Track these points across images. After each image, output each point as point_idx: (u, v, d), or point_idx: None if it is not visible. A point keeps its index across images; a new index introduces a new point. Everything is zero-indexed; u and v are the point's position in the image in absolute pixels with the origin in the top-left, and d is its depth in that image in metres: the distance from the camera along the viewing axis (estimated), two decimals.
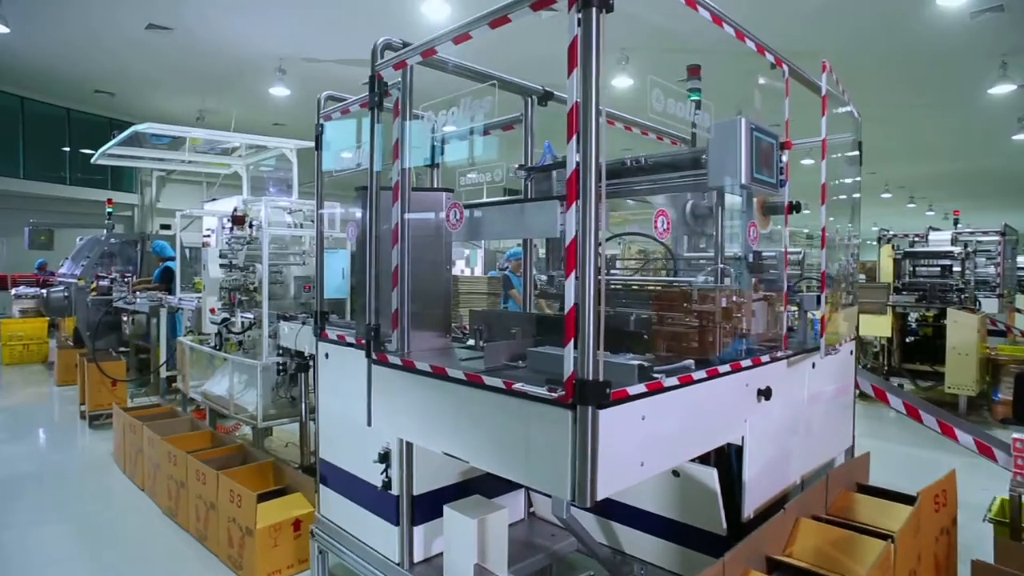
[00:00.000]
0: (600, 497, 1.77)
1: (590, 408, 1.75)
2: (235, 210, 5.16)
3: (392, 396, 2.50)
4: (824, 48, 8.87)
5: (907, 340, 7.56)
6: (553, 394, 1.81)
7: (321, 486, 3.28)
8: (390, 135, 2.70)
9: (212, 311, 5.15)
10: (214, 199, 6.27)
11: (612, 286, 3.11)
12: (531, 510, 3.41)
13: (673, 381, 2.05)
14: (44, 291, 9.48)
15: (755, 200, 2.85)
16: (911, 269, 7.68)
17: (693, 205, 3.40)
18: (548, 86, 3.38)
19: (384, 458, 2.78)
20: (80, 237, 9.96)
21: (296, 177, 5.55)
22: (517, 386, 1.91)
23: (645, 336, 2.62)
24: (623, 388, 1.86)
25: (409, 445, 2.69)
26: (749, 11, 7.62)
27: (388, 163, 2.71)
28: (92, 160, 6.69)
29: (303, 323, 4.14)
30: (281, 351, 4.58)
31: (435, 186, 3.56)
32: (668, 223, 2.38)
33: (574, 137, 1.78)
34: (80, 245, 9.52)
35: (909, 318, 7.62)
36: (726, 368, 2.33)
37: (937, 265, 7.44)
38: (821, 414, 3.11)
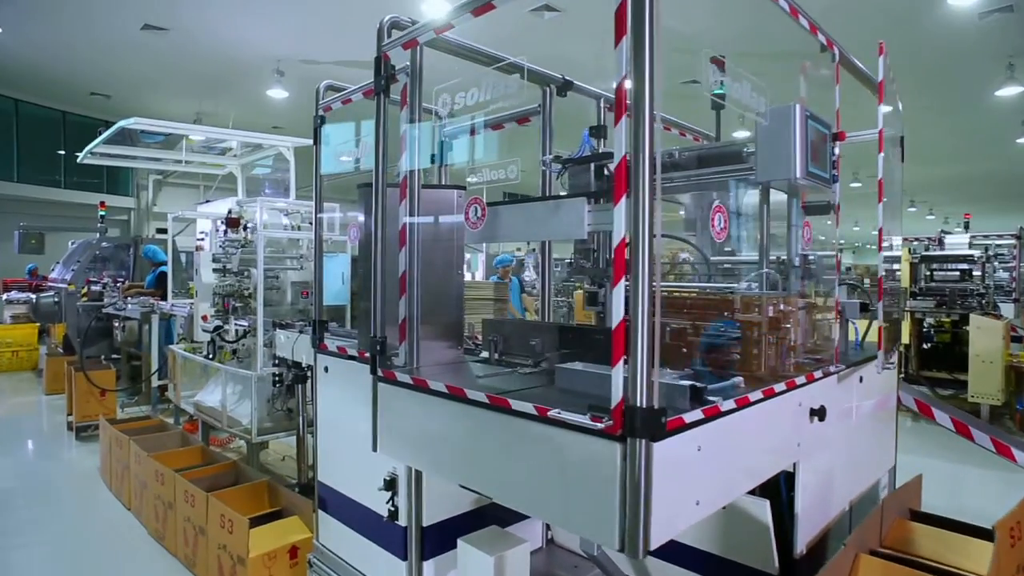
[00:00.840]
0: (654, 547, 1.47)
1: (643, 441, 1.46)
2: (229, 212, 4.85)
3: (401, 418, 2.19)
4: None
5: (924, 347, 7.28)
6: (598, 424, 1.51)
7: (320, 511, 2.97)
8: (393, 129, 2.41)
9: (204, 318, 4.84)
10: (208, 201, 5.96)
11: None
12: (550, 536, 3.10)
13: (730, 404, 1.75)
14: (33, 296, 9.14)
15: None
16: (928, 274, 7.41)
17: (718, 206, 3.13)
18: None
19: (390, 485, 2.47)
20: (72, 241, 9.63)
21: (294, 177, 5.24)
22: (553, 413, 1.61)
23: (683, 349, 2.33)
24: (678, 415, 1.56)
25: (419, 472, 2.38)
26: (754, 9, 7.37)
27: (392, 160, 2.42)
28: (79, 159, 6.38)
29: (300, 331, 3.83)
30: (277, 361, 4.27)
31: (443, 183, 3.28)
32: (726, 221, 2.09)
33: (623, 120, 1.49)
34: (72, 249, 9.19)
35: (925, 324, 7.34)
36: (781, 387, 2.03)
37: (956, 269, 7.17)
38: (868, 432, 2.82)
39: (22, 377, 9.15)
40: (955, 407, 3.76)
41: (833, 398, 2.33)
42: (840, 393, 2.45)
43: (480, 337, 2.94)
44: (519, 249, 14.02)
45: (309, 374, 4.16)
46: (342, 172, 3.14)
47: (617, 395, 1.47)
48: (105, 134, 5.33)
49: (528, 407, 1.68)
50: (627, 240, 1.48)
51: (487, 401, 1.81)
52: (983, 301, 6.75)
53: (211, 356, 4.92)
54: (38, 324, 9.63)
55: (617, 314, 1.48)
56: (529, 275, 9.45)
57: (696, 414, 1.63)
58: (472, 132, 2.90)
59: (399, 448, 2.22)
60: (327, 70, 11.12)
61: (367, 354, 2.49)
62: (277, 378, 4.26)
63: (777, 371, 2.19)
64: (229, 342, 4.65)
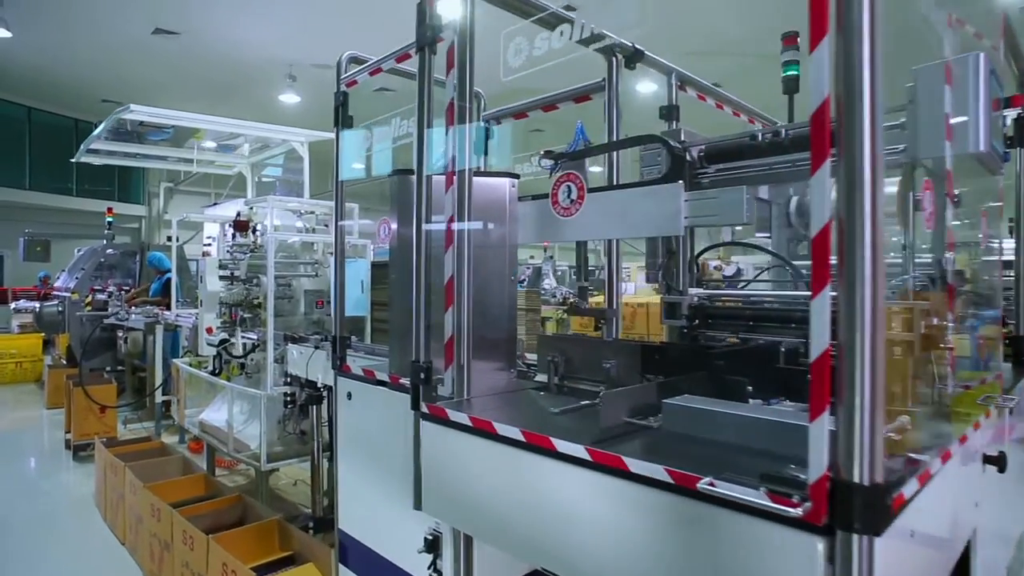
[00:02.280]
0: None
1: (864, 538, 0.91)
2: (238, 214, 4.33)
3: (453, 468, 1.65)
4: None
5: None
6: (788, 507, 0.96)
7: (341, 566, 2.42)
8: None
9: (209, 331, 4.31)
10: (215, 204, 5.46)
11: (727, 304, 2.28)
12: None
13: (936, 463, 1.21)
14: (37, 305, 8.66)
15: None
16: None
17: (800, 201, 2.61)
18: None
19: (432, 546, 1.92)
20: (78, 248, 9.16)
21: (308, 176, 4.72)
22: (704, 484, 1.06)
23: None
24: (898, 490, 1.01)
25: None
26: None
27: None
28: (74, 158, 5.90)
29: (316, 347, 3.30)
30: (289, 379, 3.73)
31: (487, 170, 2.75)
32: (933, 203, 1.54)
33: (824, 42, 0.96)
34: (77, 256, 8.71)
35: None
36: (968, 429, 1.48)
37: None
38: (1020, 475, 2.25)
39: (25, 389, 8.64)
40: None
41: (1010, 440, 1.78)
42: (1007, 431, 1.89)
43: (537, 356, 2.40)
44: (532, 257, 13.47)
45: (325, 394, 3.62)
46: (357, 179, 2.64)
47: (820, 463, 0.93)
48: (101, 127, 4.85)
49: (660, 472, 1.13)
50: (836, 225, 0.93)
51: (590, 458, 1.26)
52: None
53: (217, 371, 4.38)
54: (43, 334, 9.13)
55: (821, 339, 0.94)
56: (549, 283, 8.90)
57: (912, 484, 1.08)
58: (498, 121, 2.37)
59: (450, 508, 1.67)
60: None
61: (402, 380, 1.95)
62: (289, 398, 3.72)
63: (943, 404, 1.64)
64: (236, 357, 4.12)
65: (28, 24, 9.39)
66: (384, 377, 2.14)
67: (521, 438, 1.40)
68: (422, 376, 1.70)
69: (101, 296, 7.23)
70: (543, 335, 2.31)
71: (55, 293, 8.60)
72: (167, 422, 6.16)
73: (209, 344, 4.27)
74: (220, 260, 4.33)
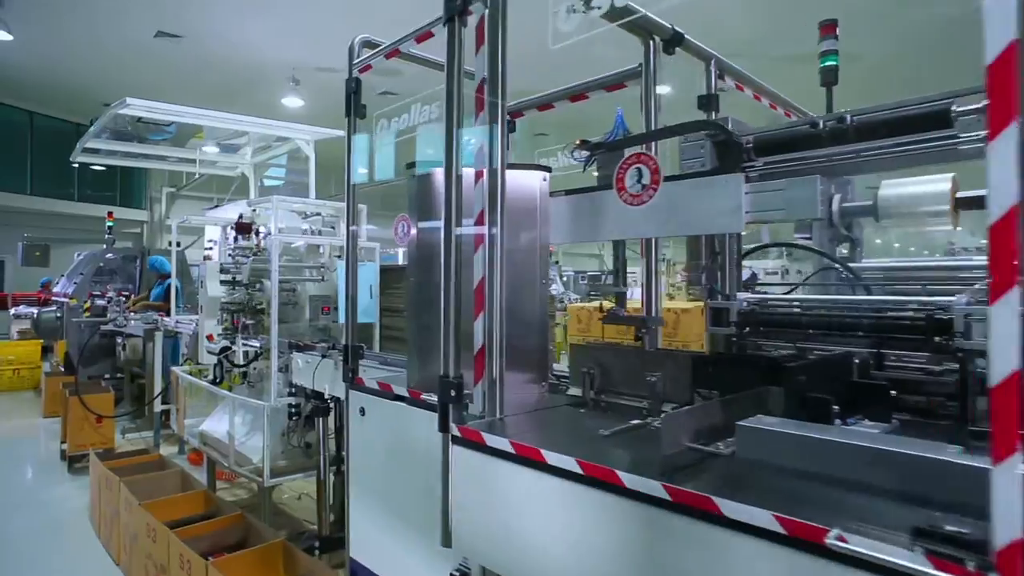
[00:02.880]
0: None
1: None
2: (240, 216, 4.11)
3: (488, 500, 1.41)
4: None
5: None
6: None
7: None
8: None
9: (210, 338, 4.07)
10: (217, 205, 5.23)
11: (781, 309, 2.05)
12: None
13: None
14: (35, 311, 8.41)
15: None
16: None
17: (842, 199, 2.37)
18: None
19: None
20: (78, 253, 8.92)
21: (313, 177, 4.48)
22: (832, 538, 0.82)
23: (892, 392, 1.55)
24: None
25: None
26: None
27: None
28: (71, 157, 5.68)
29: (323, 355, 3.06)
30: (294, 389, 3.50)
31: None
32: None
33: None
34: (77, 261, 8.47)
35: None
36: None
37: None
38: None
39: (23, 397, 8.39)
40: None
41: None
42: None
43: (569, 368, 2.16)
44: None
45: (332, 405, 3.39)
46: (372, 182, 2.40)
47: (1012, 521, 0.69)
48: (97, 124, 4.62)
49: (766, 519, 0.90)
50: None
51: (668, 497, 1.02)
52: None
53: (218, 380, 4.14)
54: (41, 341, 8.89)
55: (1005, 358, 0.71)
56: (557, 288, 8.67)
57: None
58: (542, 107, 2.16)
59: (485, 547, 1.43)
60: (342, 78, 10.49)
61: (424, 396, 1.72)
62: (294, 410, 3.48)
63: None
64: (238, 366, 3.88)
65: (29, 27, 9.21)
66: (402, 391, 1.90)
67: (578, 470, 1.16)
68: (453, 394, 1.47)
69: (100, 302, 6.99)
70: (577, 344, 2.07)
71: (54, 299, 8.36)
72: (167, 431, 5.91)
73: (210, 352, 4.03)
74: (222, 264, 4.10)
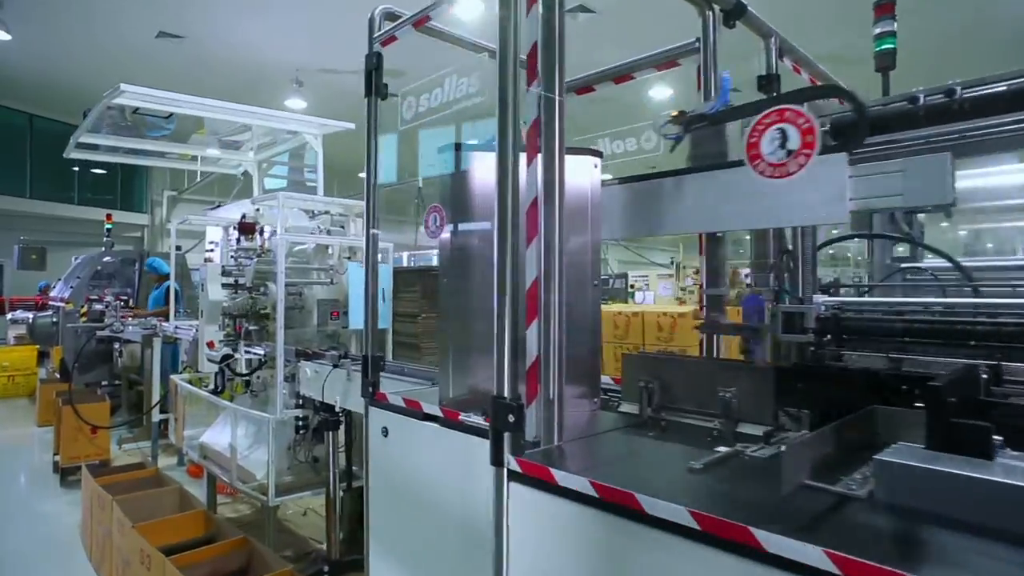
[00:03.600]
0: None
1: None
2: (243, 216, 3.82)
3: (561, 554, 1.13)
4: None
5: None
6: None
7: None
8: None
9: (210, 345, 3.78)
10: (218, 205, 4.94)
11: (869, 314, 1.78)
12: None
13: None
14: (31, 316, 8.10)
15: None
16: None
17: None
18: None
19: None
20: (75, 256, 8.61)
21: (322, 172, 4.20)
22: None
23: None
24: None
25: None
26: None
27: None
28: (65, 153, 5.39)
29: (334, 365, 2.77)
30: (301, 400, 3.21)
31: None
32: None
33: None
34: (74, 265, 8.17)
35: None
36: None
37: None
38: None
39: (17, 405, 8.06)
40: None
41: None
42: None
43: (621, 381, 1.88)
44: None
45: (343, 419, 3.10)
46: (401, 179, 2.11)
47: None
48: (90, 114, 4.34)
49: None
50: None
51: (838, 572, 0.74)
52: None
53: (219, 389, 3.85)
54: (37, 346, 8.57)
55: None
56: None
57: None
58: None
59: None
60: (347, 80, 10.26)
61: (464, 417, 1.44)
62: (301, 422, 3.19)
63: None
64: (240, 375, 3.59)
65: (29, 27, 8.96)
66: (434, 410, 1.62)
67: (693, 524, 0.88)
68: (511, 419, 1.18)
69: (98, 306, 6.69)
70: (629, 354, 1.79)
71: (50, 303, 8.06)
72: (165, 441, 5.61)
73: (210, 360, 3.74)
74: (223, 266, 3.81)
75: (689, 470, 1.16)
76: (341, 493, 3.34)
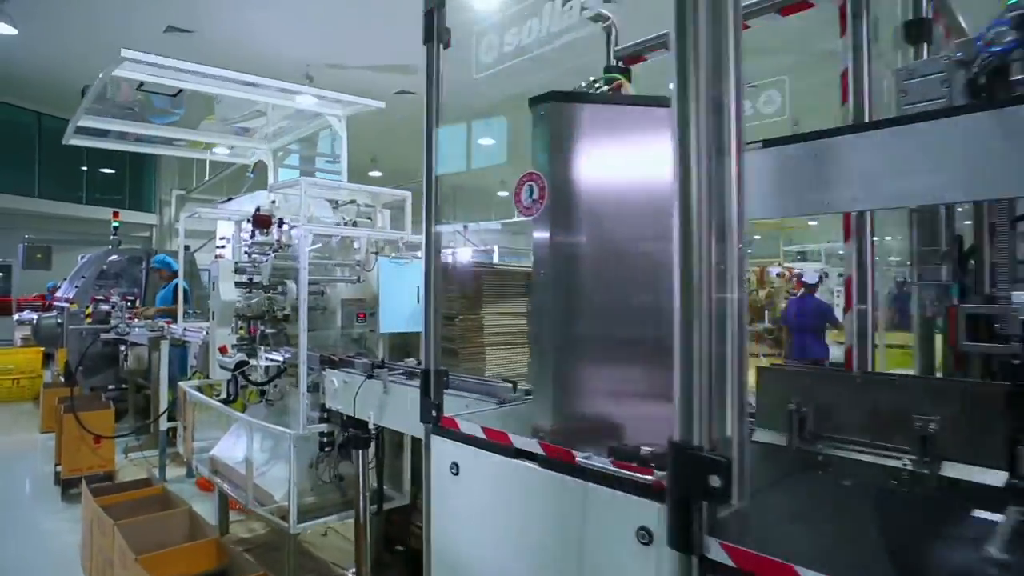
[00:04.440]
0: None
1: None
2: (258, 209, 3.41)
3: None
4: None
5: None
6: None
7: None
8: None
9: (222, 350, 3.36)
10: (230, 198, 4.53)
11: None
12: None
13: None
14: (35, 316, 7.71)
15: None
16: None
17: None
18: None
19: None
20: (81, 255, 8.23)
21: (346, 158, 3.77)
22: None
23: None
24: None
25: None
26: None
27: None
28: (63, 140, 5.00)
29: (368, 375, 2.35)
30: (326, 413, 2.79)
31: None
32: None
33: None
34: (80, 264, 7.78)
35: None
36: None
37: None
38: None
39: (21, 409, 7.67)
40: None
41: None
42: None
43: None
44: None
45: (375, 436, 2.68)
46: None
47: None
48: (88, 93, 3.94)
49: None
50: None
51: None
52: None
53: (232, 397, 3.43)
54: (42, 348, 8.17)
55: None
56: None
57: None
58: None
59: None
60: (357, 75, 9.89)
61: (578, 457, 1.01)
62: (326, 439, 2.77)
63: None
64: (257, 384, 3.18)
65: (35, 22, 8.60)
66: (532, 446, 1.19)
67: None
68: (717, 484, 0.74)
69: (104, 307, 6.29)
70: (768, 368, 1.37)
71: (55, 303, 7.67)
72: (173, 450, 5.20)
73: (223, 367, 3.32)
74: (236, 263, 3.40)
75: (984, 559, 0.73)
76: (370, 516, 2.93)
